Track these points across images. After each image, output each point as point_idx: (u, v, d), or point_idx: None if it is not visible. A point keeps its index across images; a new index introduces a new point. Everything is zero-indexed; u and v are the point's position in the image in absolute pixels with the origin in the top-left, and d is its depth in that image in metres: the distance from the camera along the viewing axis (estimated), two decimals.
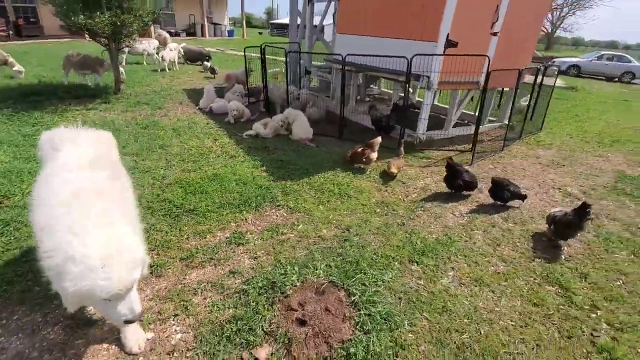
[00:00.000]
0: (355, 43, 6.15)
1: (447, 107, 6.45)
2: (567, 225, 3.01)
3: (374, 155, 4.34)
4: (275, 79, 8.46)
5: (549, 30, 54.12)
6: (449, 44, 4.85)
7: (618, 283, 2.72)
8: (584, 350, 2.10)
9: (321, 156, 4.81)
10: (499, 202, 3.83)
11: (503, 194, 3.72)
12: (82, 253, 1.38)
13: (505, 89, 6.91)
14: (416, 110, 6.79)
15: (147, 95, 7.58)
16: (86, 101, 6.83)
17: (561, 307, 2.43)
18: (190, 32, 25.77)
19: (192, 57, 12.83)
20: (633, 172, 5.08)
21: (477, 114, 5.19)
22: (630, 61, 20.01)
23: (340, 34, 6.63)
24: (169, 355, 1.89)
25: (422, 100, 7.74)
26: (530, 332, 2.20)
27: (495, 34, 5.31)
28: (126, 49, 11.02)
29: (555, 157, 5.55)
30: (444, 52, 4.86)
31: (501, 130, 6.77)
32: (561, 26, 53.06)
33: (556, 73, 6.63)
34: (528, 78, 6.64)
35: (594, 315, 2.38)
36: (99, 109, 6.43)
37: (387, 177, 4.24)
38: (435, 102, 7.83)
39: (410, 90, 8.48)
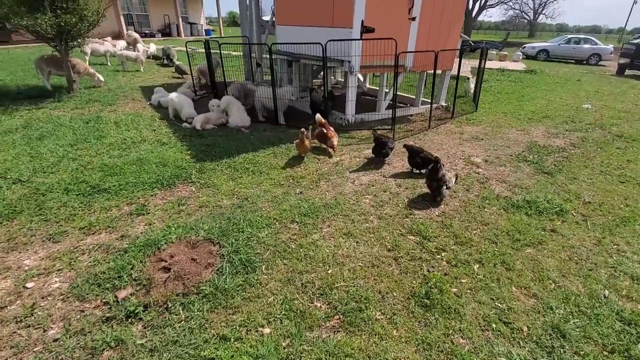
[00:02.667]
0: (291, 33, 6.45)
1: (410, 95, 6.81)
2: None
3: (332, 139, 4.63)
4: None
5: (531, 18, 54.92)
6: (365, 29, 5.18)
7: (476, 231, 3.09)
8: (414, 282, 2.46)
9: (250, 140, 5.13)
10: (415, 170, 4.19)
11: (414, 160, 4.08)
12: None
13: (441, 71, 7.26)
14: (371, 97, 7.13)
15: (101, 93, 7.80)
16: (38, 101, 7.03)
17: (412, 251, 2.79)
18: (166, 32, 25.77)
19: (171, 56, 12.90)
20: (544, 143, 5.49)
21: (393, 95, 5.52)
22: (596, 44, 20.51)
23: (279, 26, 6.92)
24: (43, 299, 2.20)
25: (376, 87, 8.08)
26: (373, 271, 2.56)
27: (413, 18, 5.65)
28: (88, 50, 11.25)
29: (478, 133, 5.93)
30: (360, 37, 5.18)
31: (438, 111, 7.16)
32: (543, 13, 53.89)
33: (486, 54, 6.98)
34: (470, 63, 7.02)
35: (438, 257, 2.74)
36: (49, 107, 6.65)
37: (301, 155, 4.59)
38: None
39: (361, 77, 8.83)
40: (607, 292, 2.44)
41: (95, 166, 4.03)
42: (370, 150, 4.53)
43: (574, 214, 3.44)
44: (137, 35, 15.94)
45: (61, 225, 2.96)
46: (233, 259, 2.53)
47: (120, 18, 21.72)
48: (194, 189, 3.66)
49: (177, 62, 10.83)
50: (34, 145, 4.63)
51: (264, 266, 2.52)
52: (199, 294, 2.24)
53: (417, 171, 4.17)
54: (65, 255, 2.58)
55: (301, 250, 2.73)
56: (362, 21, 5.11)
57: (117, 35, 19.08)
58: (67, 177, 3.75)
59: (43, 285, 2.30)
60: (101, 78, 8.41)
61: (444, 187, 3.47)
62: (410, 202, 3.55)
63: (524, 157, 4.81)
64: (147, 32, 24.50)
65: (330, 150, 4.66)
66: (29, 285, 2.30)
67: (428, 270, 2.58)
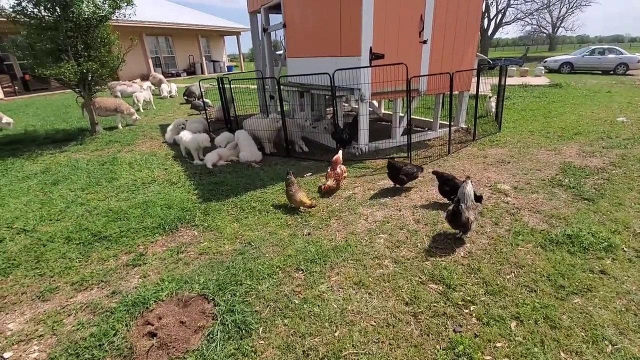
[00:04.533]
0: (301, 65, 6.41)
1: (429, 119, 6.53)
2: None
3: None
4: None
5: (550, 31, 53.94)
6: (374, 56, 5.00)
7: (510, 276, 2.66)
8: (437, 347, 2.06)
9: (259, 176, 4.95)
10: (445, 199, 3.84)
11: (444, 188, 3.75)
12: None
13: (458, 92, 6.93)
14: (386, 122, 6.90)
15: (122, 133, 8.02)
16: (62, 144, 7.29)
17: (434, 304, 2.40)
18: (190, 71, 27.13)
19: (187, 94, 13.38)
20: (580, 163, 4.96)
21: (407, 120, 5.24)
22: (622, 53, 19.64)
23: (289, 58, 6.93)
24: None
25: (389, 112, 7.87)
26: (389, 332, 2.18)
27: (424, 42, 5.44)
28: (119, 93, 11.88)
29: (504, 155, 5.48)
30: (370, 64, 5.01)
31: (458, 134, 6.78)
32: (562, 26, 52.84)
33: (506, 71, 6.62)
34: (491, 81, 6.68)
35: (466, 311, 2.33)
36: (71, 150, 6.85)
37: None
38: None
39: (376, 103, 8.64)
40: None
41: (101, 211, 3.94)
42: (386, 181, 4.21)
43: (624, 249, 2.93)
44: (161, 76, 16.81)
45: (54, 280, 2.81)
46: (226, 321, 2.24)
47: (148, 61, 23.08)
48: (196, 233, 3.46)
49: (193, 100, 11.08)
50: (47, 191, 4.65)
51: (261, 328, 2.22)
52: None
53: (450, 200, 3.80)
54: (50, 318, 2.39)
55: (305, 306, 2.41)
56: (371, 48, 4.95)
57: (146, 77, 20.17)
58: (70, 224, 3.67)
59: (20, 356, 2.10)
60: (137, 117, 9.13)
61: (472, 225, 3.08)
62: (431, 241, 3.17)
63: (558, 182, 4.32)
64: (173, 72, 25.87)
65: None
66: (6, 355, 2.10)
67: (454, 331, 2.18)
